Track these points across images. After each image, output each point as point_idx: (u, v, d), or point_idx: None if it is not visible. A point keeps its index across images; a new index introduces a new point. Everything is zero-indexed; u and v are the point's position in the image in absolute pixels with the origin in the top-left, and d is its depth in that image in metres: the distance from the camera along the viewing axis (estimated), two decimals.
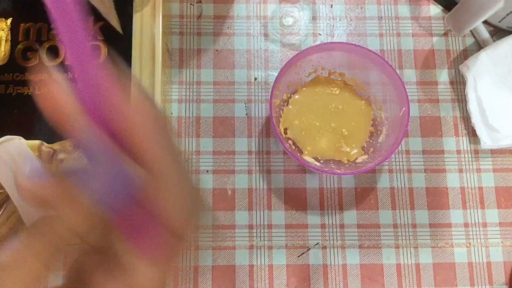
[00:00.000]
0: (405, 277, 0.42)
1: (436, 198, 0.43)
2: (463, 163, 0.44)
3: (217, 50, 0.46)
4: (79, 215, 0.16)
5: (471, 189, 0.44)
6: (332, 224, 0.42)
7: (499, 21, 0.45)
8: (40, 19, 0.40)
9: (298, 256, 0.42)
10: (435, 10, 0.48)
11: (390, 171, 0.44)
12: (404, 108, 0.39)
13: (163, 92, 0.40)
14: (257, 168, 0.44)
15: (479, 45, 0.47)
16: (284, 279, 0.41)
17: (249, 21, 0.47)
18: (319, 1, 0.48)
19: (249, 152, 0.44)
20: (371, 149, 0.41)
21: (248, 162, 0.44)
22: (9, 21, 0.40)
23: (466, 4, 0.39)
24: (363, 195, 0.43)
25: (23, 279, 0.15)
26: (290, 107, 0.43)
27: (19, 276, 0.15)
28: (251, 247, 0.42)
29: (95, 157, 0.17)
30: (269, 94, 0.40)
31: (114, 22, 0.36)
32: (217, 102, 0.45)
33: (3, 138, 0.32)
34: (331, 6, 0.48)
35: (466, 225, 0.43)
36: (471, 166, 0.44)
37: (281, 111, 0.42)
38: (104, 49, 0.40)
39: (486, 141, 0.43)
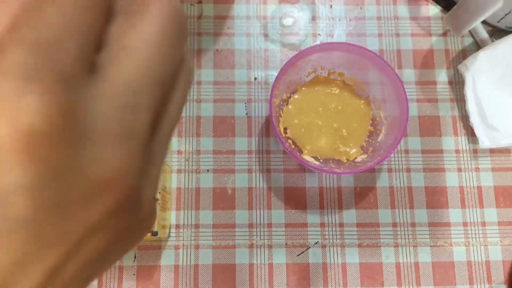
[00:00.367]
0: (404, 276, 0.42)
1: (435, 197, 0.44)
2: (462, 162, 0.44)
3: (217, 50, 0.47)
4: None
5: (470, 188, 0.44)
6: (332, 223, 0.43)
7: (498, 21, 0.46)
8: None
9: (298, 255, 0.42)
10: (434, 10, 0.48)
11: (389, 170, 0.44)
12: (403, 108, 0.39)
13: None
14: (257, 167, 0.44)
15: (478, 45, 0.47)
16: (284, 278, 0.41)
17: (249, 21, 0.48)
18: (318, 1, 0.48)
19: (249, 152, 0.44)
20: (370, 149, 0.41)
21: (248, 161, 0.44)
22: None
23: (465, 4, 0.39)
24: (363, 194, 0.43)
25: None
26: (290, 106, 0.43)
27: None
28: (251, 246, 0.42)
29: None
30: (269, 94, 0.40)
31: None
32: (217, 101, 0.45)
33: None
34: (331, 6, 0.48)
35: (465, 224, 0.43)
36: (469, 166, 0.44)
37: (281, 111, 0.42)
38: None
39: (484, 140, 0.43)
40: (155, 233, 0.36)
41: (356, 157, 0.42)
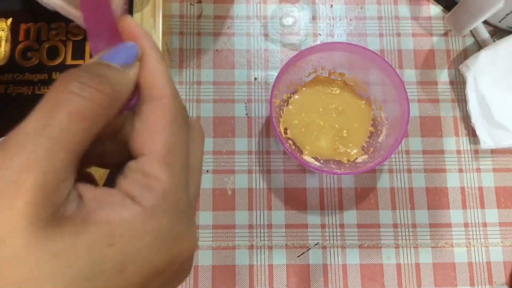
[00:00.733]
0: (405, 277, 0.42)
1: (436, 198, 0.43)
2: (463, 163, 0.44)
3: (217, 50, 0.46)
4: None
5: (471, 189, 0.44)
6: (332, 224, 0.43)
7: (499, 21, 0.46)
8: (40, 19, 0.40)
9: (298, 256, 0.42)
10: (435, 10, 0.48)
11: (390, 171, 0.44)
12: (404, 108, 0.39)
13: None
14: (257, 168, 0.44)
15: (479, 45, 0.47)
16: (284, 279, 0.41)
17: (249, 21, 0.47)
18: (319, 1, 0.48)
19: (249, 152, 0.44)
20: (371, 149, 0.41)
21: (248, 162, 0.44)
22: (9, 21, 0.40)
23: (466, 4, 0.39)
24: (363, 195, 0.43)
25: None
26: (290, 107, 0.43)
27: None
28: (251, 247, 0.42)
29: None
30: (269, 94, 0.40)
31: None
32: (217, 102, 0.45)
33: (3, 138, 0.32)
34: (331, 6, 0.48)
35: (466, 225, 0.43)
36: (471, 166, 0.44)
37: (281, 111, 0.42)
38: None
39: (486, 141, 0.43)
40: None
41: (356, 158, 0.42)
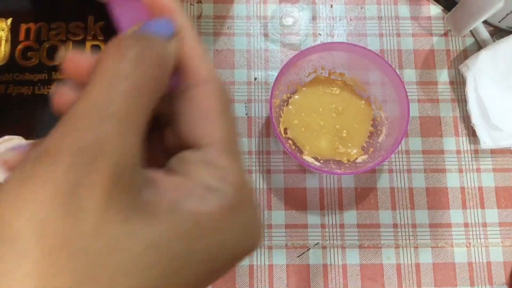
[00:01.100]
0: (405, 277, 0.42)
1: (436, 198, 0.43)
2: (463, 163, 0.44)
3: (217, 50, 0.46)
4: None
5: (471, 189, 0.44)
6: (332, 224, 0.43)
7: (499, 21, 0.46)
8: (40, 19, 0.41)
9: (298, 256, 0.42)
10: (435, 10, 0.48)
11: (390, 171, 0.44)
12: (404, 108, 0.39)
13: None
14: (257, 168, 0.44)
15: (479, 45, 0.47)
16: (284, 279, 0.41)
17: (249, 21, 0.47)
18: (319, 1, 0.48)
19: (249, 152, 0.44)
20: (371, 149, 0.41)
21: (248, 162, 0.44)
22: (9, 21, 0.40)
23: (466, 4, 0.39)
24: (363, 195, 0.43)
25: None
26: (290, 107, 0.43)
27: None
28: None
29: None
30: (269, 94, 0.40)
31: None
32: None
33: (3, 138, 0.32)
34: (331, 6, 0.48)
35: (466, 225, 0.43)
36: (471, 166, 0.44)
37: (281, 111, 0.42)
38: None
39: (486, 141, 0.43)
40: None
41: (356, 158, 0.42)
